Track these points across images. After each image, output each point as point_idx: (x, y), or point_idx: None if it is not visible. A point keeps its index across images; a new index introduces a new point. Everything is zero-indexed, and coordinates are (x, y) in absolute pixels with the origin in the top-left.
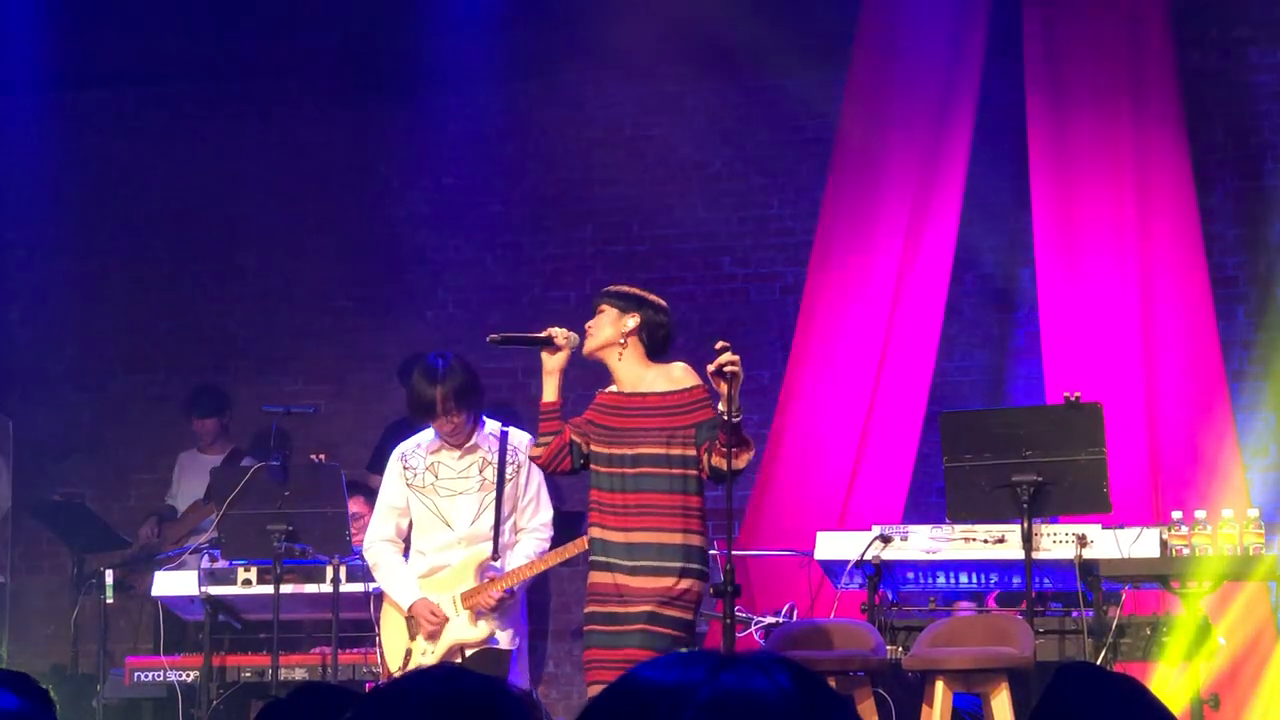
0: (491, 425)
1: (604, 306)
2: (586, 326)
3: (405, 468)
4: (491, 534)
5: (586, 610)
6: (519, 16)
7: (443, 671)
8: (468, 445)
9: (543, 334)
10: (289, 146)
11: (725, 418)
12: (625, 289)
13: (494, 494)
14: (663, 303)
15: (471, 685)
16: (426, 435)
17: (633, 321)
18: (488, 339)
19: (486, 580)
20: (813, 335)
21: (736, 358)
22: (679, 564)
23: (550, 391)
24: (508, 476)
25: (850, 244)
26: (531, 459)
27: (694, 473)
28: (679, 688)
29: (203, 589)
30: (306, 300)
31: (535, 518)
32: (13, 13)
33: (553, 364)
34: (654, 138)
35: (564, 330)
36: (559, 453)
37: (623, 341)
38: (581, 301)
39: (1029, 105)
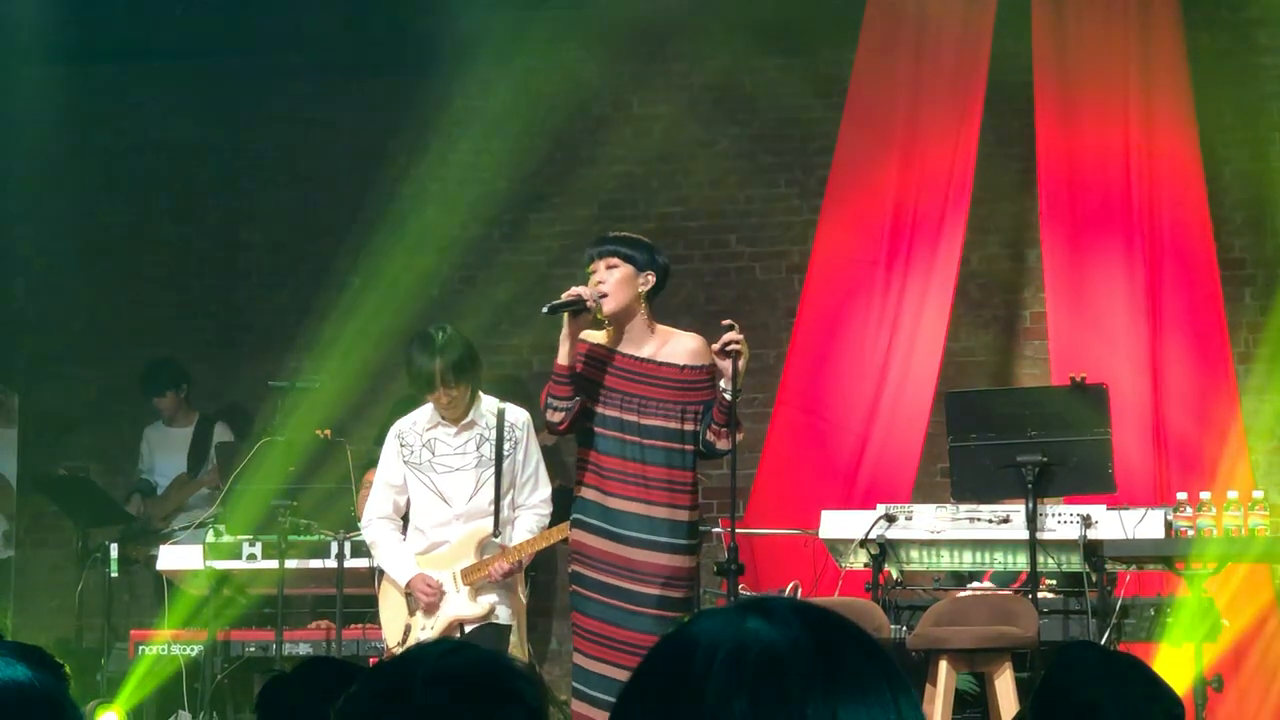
0: (488, 402)
1: (615, 261)
2: (597, 281)
3: (402, 445)
4: (490, 510)
5: (572, 570)
6: None
7: (447, 645)
8: (464, 422)
9: (573, 296)
10: (296, 122)
11: (727, 397)
12: (634, 238)
13: (492, 470)
14: (663, 251)
15: (476, 658)
16: (423, 412)
17: (651, 278)
18: (542, 310)
19: (488, 557)
20: (819, 314)
21: (742, 337)
22: (686, 541)
23: (566, 354)
24: (505, 453)
25: (856, 222)
26: (553, 423)
27: (695, 448)
28: (713, 642)
29: (207, 563)
30: (312, 276)
31: (534, 494)
32: None
33: (577, 328)
34: (661, 115)
35: (590, 291)
36: (579, 417)
37: (640, 301)
38: (587, 280)
39: (1037, 85)
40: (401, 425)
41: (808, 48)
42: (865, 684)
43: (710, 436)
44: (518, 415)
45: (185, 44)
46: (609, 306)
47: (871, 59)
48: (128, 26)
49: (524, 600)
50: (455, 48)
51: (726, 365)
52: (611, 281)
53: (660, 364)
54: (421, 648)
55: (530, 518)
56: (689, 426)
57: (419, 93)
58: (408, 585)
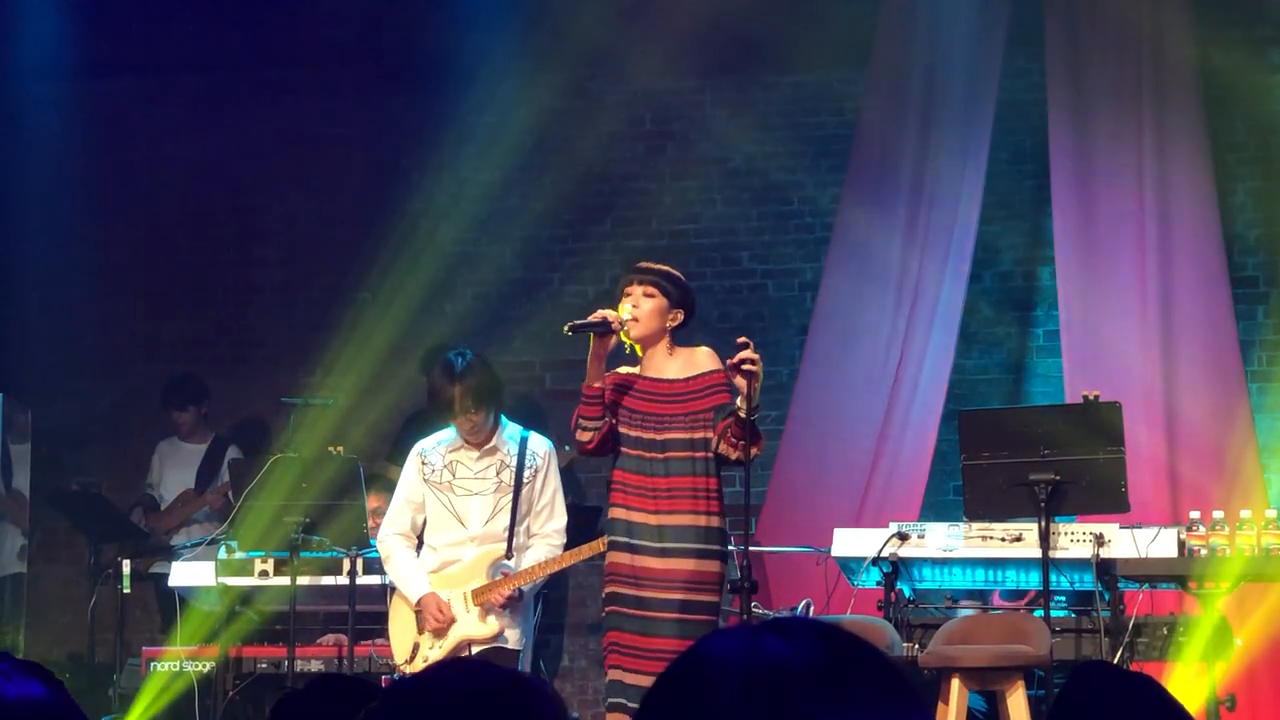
0: (513, 429)
1: (653, 290)
2: (631, 304)
3: (424, 463)
4: (504, 535)
5: (608, 591)
6: (540, 10)
7: (469, 666)
8: (487, 446)
9: (598, 318)
10: (309, 138)
11: (743, 414)
12: (674, 274)
13: (510, 496)
14: (694, 293)
15: (499, 678)
16: (448, 434)
17: (680, 317)
18: (565, 329)
19: (499, 578)
20: (829, 331)
21: (757, 355)
22: (704, 545)
23: (596, 376)
24: (525, 480)
25: (868, 240)
26: (581, 443)
27: (713, 455)
28: (725, 659)
29: (219, 580)
30: (325, 292)
31: (549, 523)
32: (35, 0)
33: (603, 349)
34: (674, 132)
35: (616, 314)
36: (606, 438)
37: (665, 334)
38: (600, 296)
39: (1050, 103)
40: (425, 444)
41: (821, 65)
42: (877, 700)
43: (724, 448)
44: (540, 444)
45: (198, 59)
46: (636, 331)
47: (882, 76)
48: (141, 42)
49: (532, 624)
50: (468, 64)
51: (742, 383)
52: (645, 309)
53: (671, 381)
54: (442, 667)
55: (542, 547)
56: (699, 435)
57: (432, 109)
58: (418, 603)
